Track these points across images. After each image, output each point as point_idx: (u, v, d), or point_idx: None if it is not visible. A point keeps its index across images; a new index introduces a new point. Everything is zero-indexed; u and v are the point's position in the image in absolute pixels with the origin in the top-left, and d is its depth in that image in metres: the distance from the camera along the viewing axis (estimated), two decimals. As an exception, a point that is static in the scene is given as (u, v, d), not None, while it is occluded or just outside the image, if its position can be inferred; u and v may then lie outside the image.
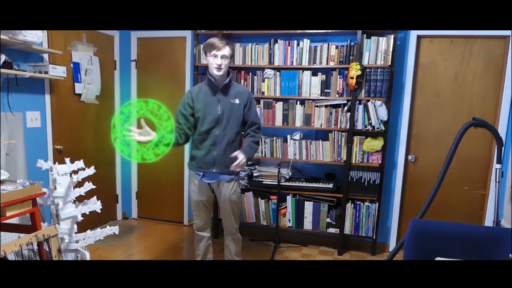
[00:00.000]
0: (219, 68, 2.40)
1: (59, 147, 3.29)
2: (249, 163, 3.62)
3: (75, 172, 2.32)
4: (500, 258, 1.74)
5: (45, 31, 3.05)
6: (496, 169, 2.26)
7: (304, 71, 3.39)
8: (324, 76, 3.36)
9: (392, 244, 3.55)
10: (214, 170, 2.51)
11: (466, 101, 3.25)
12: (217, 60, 2.39)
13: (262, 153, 3.57)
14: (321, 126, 3.39)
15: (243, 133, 2.60)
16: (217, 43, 2.39)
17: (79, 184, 2.34)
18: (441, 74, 3.29)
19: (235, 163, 2.38)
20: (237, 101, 2.50)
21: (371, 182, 3.32)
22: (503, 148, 2.24)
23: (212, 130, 2.46)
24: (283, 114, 3.47)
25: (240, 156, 2.38)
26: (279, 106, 3.47)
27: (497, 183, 2.25)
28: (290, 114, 3.45)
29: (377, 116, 3.20)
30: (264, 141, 3.54)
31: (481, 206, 3.31)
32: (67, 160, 2.32)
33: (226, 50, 2.40)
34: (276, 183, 3.41)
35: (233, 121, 2.48)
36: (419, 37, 3.27)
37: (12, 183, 2.09)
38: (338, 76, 3.33)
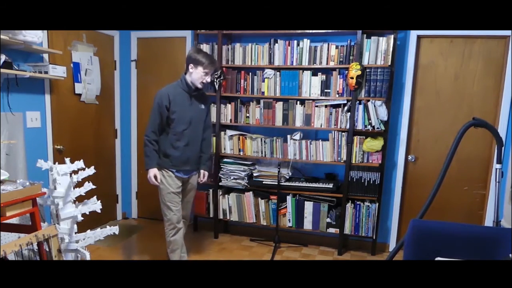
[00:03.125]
0: (205, 84, 2.74)
1: (59, 147, 3.29)
2: (249, 163, 3.63)
3: (75, 172, 2.32)
4: (500, 258, 1.74)
5: (45, 31, 3.05)
6: (496, 169, 2.26)
7: (304, 71, 3.39)
8: (324, 76, 3.36)
9: (392, 244, 3.55)
10: (187, 168, 2.80)
11: (466, 101, 3.25)
12: (207, 77, 2.70)
13: (262, 153, 3.57)
14: (321, 126, 3.39)
15: None
16: (214, 64, 2.71)
17: (79, 184, 2.34)
18: (441, 74, 3.29)
19: (204, 179, 2.94)
20: (202, 106, 2.83)
21: (371, 182, 3.31)
22: (503, 148, 2.24)
23: (185, 131, 2.72)
24: (283, 114, 3.47)
25: (206, 173, 2.95)
26: (279, 106, 3.47)
27: (497, 183, 2.25)
28: (290, 114, 3.45)
29: (377, 116, 3.20)
30: (264, 141, 3.54)
31: (481, 206, 3.31)
32: (67, 160, 2.32)
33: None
34: (276, 183, 3.41)
35: (200, 124, 2.81)
36: (419, 37, 3.28)
37: (12, 183, 2.09)
38: (338, 76, 3.32)
